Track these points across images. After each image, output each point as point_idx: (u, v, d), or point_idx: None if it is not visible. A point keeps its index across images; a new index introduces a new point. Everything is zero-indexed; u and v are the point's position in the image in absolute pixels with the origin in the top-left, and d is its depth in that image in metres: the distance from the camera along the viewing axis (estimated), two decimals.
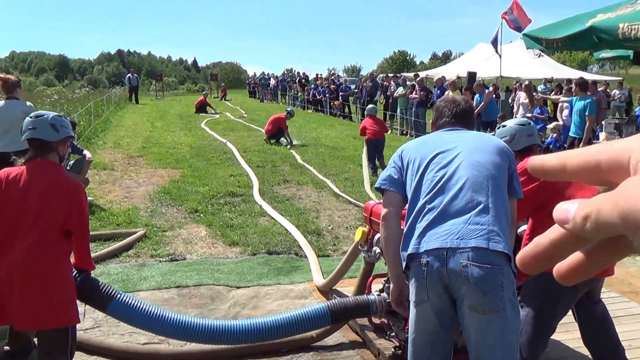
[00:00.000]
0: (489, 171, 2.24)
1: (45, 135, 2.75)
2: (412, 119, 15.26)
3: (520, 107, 12.09)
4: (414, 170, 2.34)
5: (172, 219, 6.42)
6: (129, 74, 27.72)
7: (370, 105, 11.28)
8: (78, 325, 2.88)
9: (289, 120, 13.61)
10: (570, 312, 3.01)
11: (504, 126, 3.08)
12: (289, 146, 12.66)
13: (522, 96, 12.21)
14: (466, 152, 2.30)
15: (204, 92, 26.50)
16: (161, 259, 5.14)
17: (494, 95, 13.69)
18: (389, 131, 10.87)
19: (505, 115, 11.98)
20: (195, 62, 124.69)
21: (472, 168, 2.24)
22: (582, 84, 8.77)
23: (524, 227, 3.08)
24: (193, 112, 21.76)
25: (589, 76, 19.12)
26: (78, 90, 24.97)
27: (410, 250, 2.20)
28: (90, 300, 2.98)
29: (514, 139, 2.95)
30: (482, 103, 12.21)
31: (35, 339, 3.03)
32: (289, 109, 14.68)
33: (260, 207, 6.97)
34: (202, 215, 6.59)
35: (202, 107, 22.02)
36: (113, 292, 3.01)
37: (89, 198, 3.17)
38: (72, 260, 2.81)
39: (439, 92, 14.59)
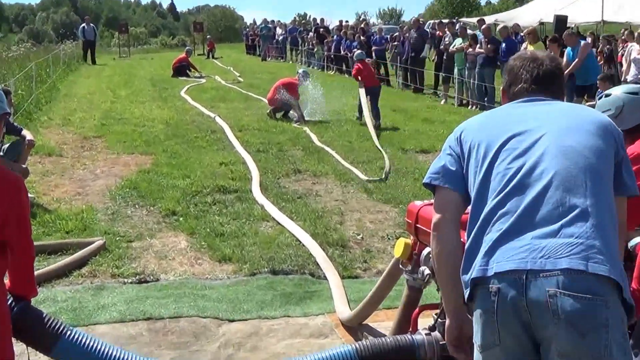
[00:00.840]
0: (587, 160, 2.23)
1: None
2: (476, 83, 15.15)
3: (632, 65, 11.91)
4: (478, 160, 2.33)
5: (140, 225, 6.47)
6: (84, 24, 28.11)
7: (358, 51, 13.99)
8: None
9: (302, 86, 13.60)
10: None
11: (607, 95, 3.03)
12: (299, 122, 12.67)
13: (634, 50, 12.02)
14: (553, 133, 2.29)
15: (186, 48, 26.65)
16: (126, 280, 5.18)
17: (592, 49, 13.50)
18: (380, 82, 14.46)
19: (610, 77, 11.80)
20: (172, 6, 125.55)
21: (562, 156, 2.23)
22: None
23: (638, 240, 3.02)
24: (170, 76, 21.87)
25: None
26: (15, 47, 25.31)
27: (474, 273, 2.19)
28: (30, 339, 3.00)
29: (622, 113, 2.91)
30: (576, 60, 12.05)
31: None
32: (301, 70, 14.68)
33: (262, 207, 6.99)
34: (181, 219, 6.63)
35: (182, 69, 22.17)
36: (61, 328, 3.03)
37: (29, 195, 3.19)
38: (7, 282, 2.83)
39: (505, 47, 14.42)
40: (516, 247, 2.13)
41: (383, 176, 8.39)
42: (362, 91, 12.43)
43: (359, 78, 12.66)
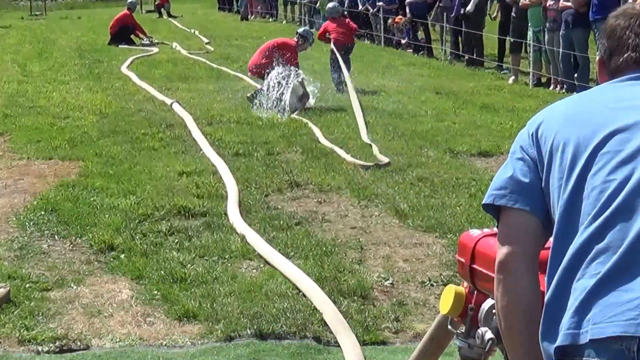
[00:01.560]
0: None
1: None
2: (560, 52, 15.15)
3: None
4: (564, 168, 2.33)
5: (62, 265, 6.48)
6: None
7: (330, 4, 15.63)
8: None
9: (303, 53, 13.68)
10: None
11: None
12: (297, 110, 12.71)
13: None
14: None
15: (128, 2, 26.81)
16: (40, 348, 5.17)
17: None
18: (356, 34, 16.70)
19: None
20: None
21: None
22: None
23: None
24: (106, 43, 22.02)
25: None
26: None
27: (561, 339, 2.18)
28: None
29: None
30: None
31: None
32: (302, 30, 14.70)
33: (243, 239, 7.00)
34: (122, 256, 6.65)
35: (123, 33, 22.34)
36: None
37: None
38: None
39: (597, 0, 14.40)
40: (622, 302, 2.10)
41: (383, 162, 9.18)
42: (335, 50, 14.16)
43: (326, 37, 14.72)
